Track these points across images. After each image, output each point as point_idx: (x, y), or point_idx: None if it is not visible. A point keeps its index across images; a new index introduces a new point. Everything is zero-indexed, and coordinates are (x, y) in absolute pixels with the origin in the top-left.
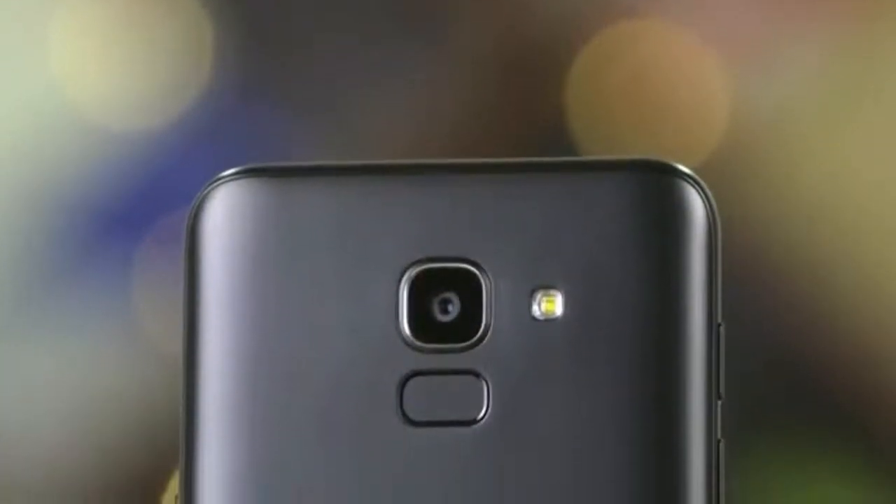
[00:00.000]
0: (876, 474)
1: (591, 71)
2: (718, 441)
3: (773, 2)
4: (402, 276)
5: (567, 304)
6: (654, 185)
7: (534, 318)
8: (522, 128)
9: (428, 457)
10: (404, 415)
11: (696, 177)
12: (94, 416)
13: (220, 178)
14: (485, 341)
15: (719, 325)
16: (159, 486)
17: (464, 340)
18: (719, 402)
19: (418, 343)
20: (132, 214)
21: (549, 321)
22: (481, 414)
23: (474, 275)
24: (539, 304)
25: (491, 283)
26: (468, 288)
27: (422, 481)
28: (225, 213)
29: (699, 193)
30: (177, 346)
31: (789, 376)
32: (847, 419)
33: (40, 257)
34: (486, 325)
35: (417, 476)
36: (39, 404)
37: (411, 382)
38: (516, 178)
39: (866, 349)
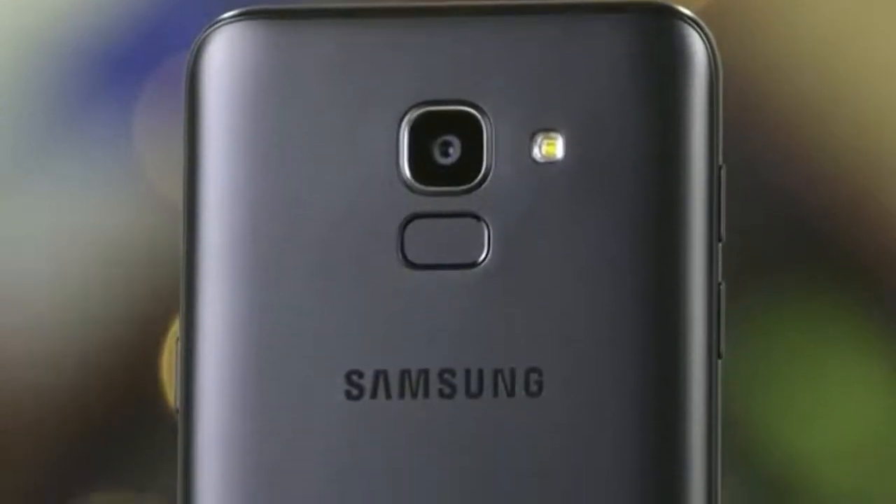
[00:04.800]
0: (874, 316)
1: None
2: (719, 284)
3: None
4: (402, 118)
5: (568, 147)
6: (656, 26)
7: (534, 161)
8: None
9: (428, 299)
10: (405, 258)
11: (698, 19)
12: (96, 261)
13: (218, 21)
14: (485, 184)
15: (720, 166)
16: (161, 329)
17: (464, 183)
18: (720, 244)
19: (419, 186)
20: (133, 60)
21: (550, 164)
22: (482, 257)
23: (475, 117)
24: (540, 147)
25: (491, 125)
26: (469, 130)
27: (422, 324)
28: (224, 56)
29: (700, 35)
30: (178, 191)
31: (790, 221)
32: (846, 263)
33: (40, 105)
34: (486, 167)
35: (417, 318)
36: (41, 251)
37: (412, 225)
38: (517, 20)
39: (866, 193)
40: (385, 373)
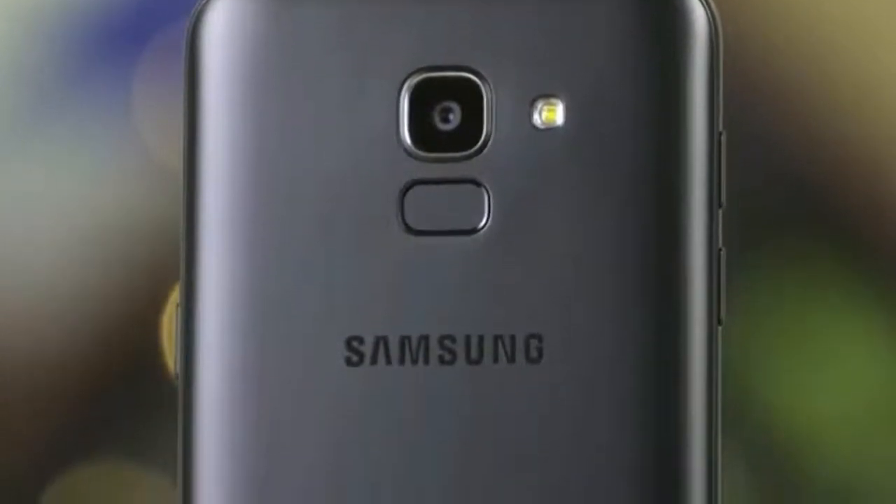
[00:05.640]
0: (873, 282)
1: None
2: (720, 249)
3: None
4: (402, 85)
5: (568, 113)
6: None
7: (535, 127)
8: None
9: (428, 265)
10: (405, 224)
11: None
12: (95, 229)
13: None
14: (486, 150)
15: (721, 132)
16: (161, 296)
17: (465, 149)
18: (720, 210)
19: (419, 152)
20: (133, 27)
21: (550, 130)
22: (482, 223)
23: (475, 83)
24: (540, 113)
25: (492, 91)
26: (469, 97)
27: (422, 290)
28: (224, 23)
29: (701, 1)
30: (177, 159)
31: (790, 187)
32: (846, 229)
33: (40, 71)
34: (486, 133)
35: (418, 285)
36: (39, 220)
37: (412, 191)
38: None
39: (867, 158)
40: (385, 339)
